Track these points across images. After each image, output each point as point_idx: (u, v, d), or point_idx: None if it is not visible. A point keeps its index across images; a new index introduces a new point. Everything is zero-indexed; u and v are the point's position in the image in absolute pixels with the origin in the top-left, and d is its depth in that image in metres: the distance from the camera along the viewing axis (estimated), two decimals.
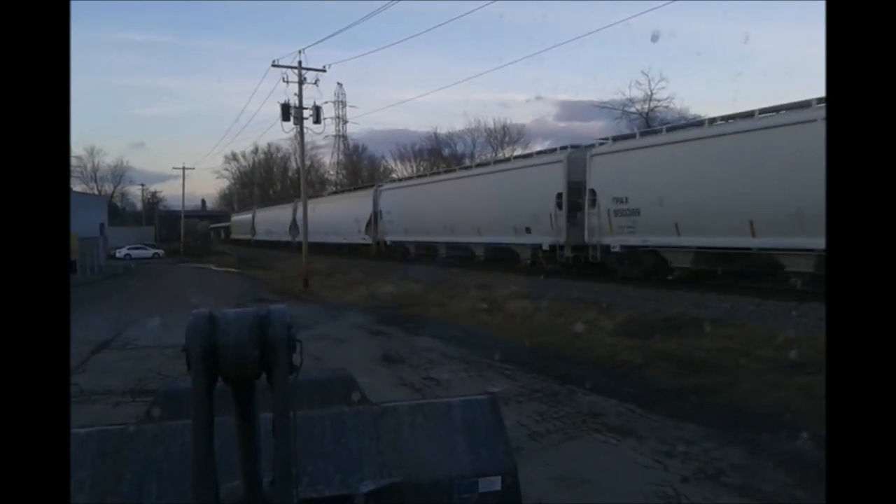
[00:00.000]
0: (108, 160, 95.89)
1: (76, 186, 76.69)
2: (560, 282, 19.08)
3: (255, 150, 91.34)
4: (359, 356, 10.63)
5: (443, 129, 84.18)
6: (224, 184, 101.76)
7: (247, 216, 72.19)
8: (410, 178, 44.34)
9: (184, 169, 68.63)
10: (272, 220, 58.67)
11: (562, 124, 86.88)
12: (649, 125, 40.35)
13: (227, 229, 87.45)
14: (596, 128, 66.24)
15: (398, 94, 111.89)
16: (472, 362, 10.26)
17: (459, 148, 68.28)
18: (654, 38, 47.37)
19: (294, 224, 47.65)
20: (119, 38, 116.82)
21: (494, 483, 2.14)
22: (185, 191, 70.38)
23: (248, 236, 67.80)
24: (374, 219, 36.23)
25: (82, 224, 37.17)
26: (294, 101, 27.46)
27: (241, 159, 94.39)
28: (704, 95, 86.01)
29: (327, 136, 79.18)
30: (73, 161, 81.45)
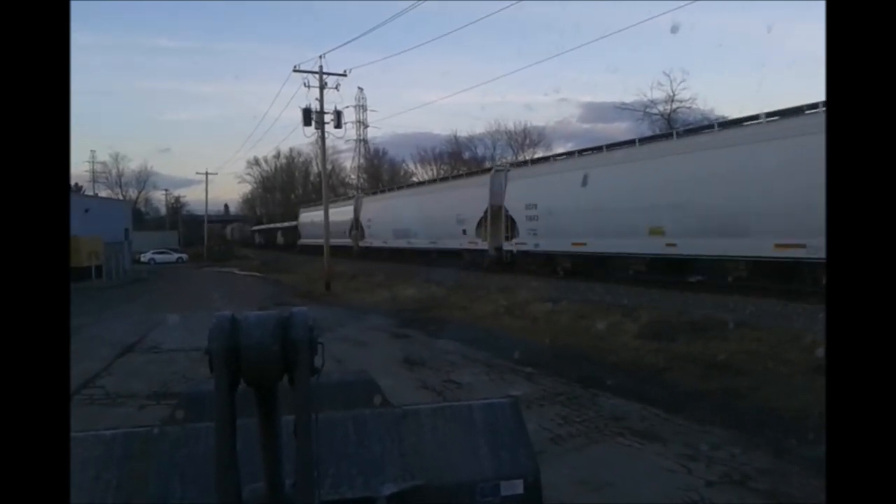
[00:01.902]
0: (132, 165, 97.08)
1: (101, 192, 78.19)
2: (583, 284, 18.99)
3: (277, 155, 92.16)
4: (380, 359, 10.64)
5: (465, 132, 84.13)
6: (246, 188, 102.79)
7: (339, 210, 44.72)
8: None
9: (207, 174, 69.35)
10: (409, 216, 33.81)
11: (585, 125, 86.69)
12: (671, 126, 40.05)
13: (288, 232, 64.97)
14: (619, 129, 65.93)
15: (421, 97, 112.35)
16: (494, 365, 10.23)
17: (480, 151, 68.36)
18: (674, 29, 47.39)
19: (488, 219, 27.02)
20: (148, 44, 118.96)
21: (516, 486, 2.13)
22: (209, 196, 70.95)
23: (346, 241, 42.90)
24: None
25: (107, 229, 37.79)
26: (315, 105, 27.67)
27: (264, 164, 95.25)
28: (729, 95, 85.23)
29: (348, 141, 79.60)
30: (98, 167, 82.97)
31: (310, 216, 56.26)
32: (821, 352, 7.94)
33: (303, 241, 56.62)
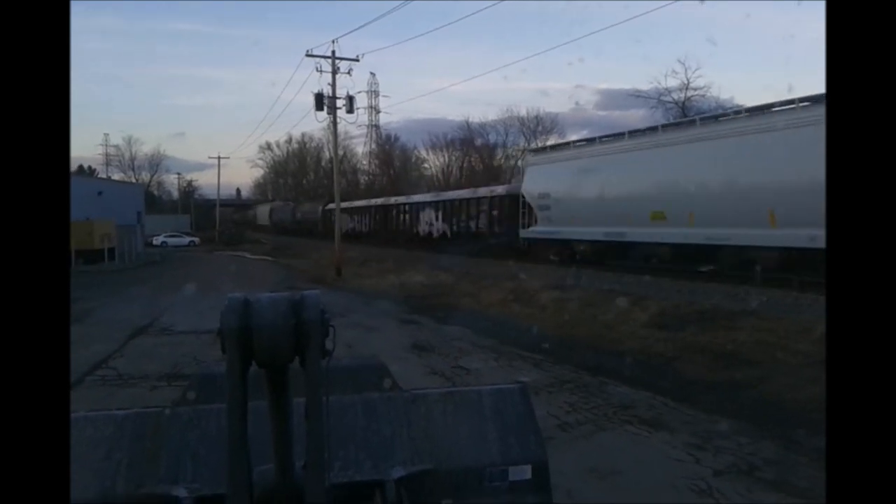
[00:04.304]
0: (145, 149, 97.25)
1: (114, 175, 78.61)
2: (593, 272, 18.94)
3: (289, 140, 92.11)
4: (390, 344, 10.68)
5: (479, 119, 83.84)
6: (258, 173, 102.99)
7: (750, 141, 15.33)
8: None
9: (219, 158, 69.57)
10: None
11: (601, 113, 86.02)
12: (685, 114, 39.73)
13: (491, 207, 30.37)
14: (635, 117, 65.14)
15: (434, 83, 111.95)
16: (503, 352, 10.25)
17: (492, 138, 68.06)
18: None
19: None
20: (163, 29, 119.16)
21: (524, 472, 2.14)
22: (221, 180, 71.07)
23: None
24: None
25: (120, 212, 38.02)
26: (328, 90, 27.59)
27: (276, 149, 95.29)
28: (751, 84, 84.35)
29: (360, 126, 79.49)
30: (111, 150, 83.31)
31: (557, 175, 23.93)
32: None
33: (534, 230, 24.95)
